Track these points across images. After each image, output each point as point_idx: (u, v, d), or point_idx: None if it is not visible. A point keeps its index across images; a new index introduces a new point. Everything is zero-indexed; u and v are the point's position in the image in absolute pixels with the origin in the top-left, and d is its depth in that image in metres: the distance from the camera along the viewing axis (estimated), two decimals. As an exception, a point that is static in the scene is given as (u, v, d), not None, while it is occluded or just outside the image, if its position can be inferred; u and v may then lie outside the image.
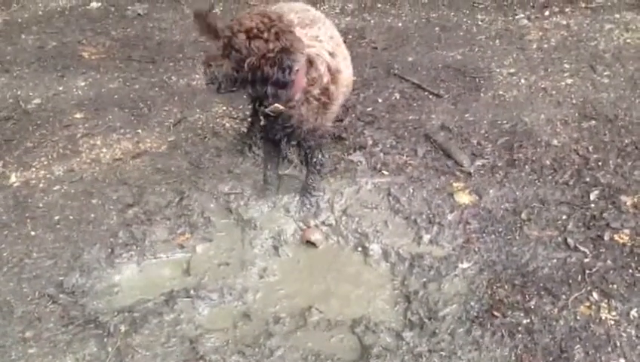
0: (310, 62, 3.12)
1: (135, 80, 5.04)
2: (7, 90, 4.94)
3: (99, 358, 2.81)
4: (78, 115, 4.58)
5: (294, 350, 2.84)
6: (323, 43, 3.28)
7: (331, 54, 3.26)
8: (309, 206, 3.59)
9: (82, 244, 3.42)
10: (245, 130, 4.20)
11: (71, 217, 3.62)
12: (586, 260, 3.21)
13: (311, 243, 3.42)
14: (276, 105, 3.11)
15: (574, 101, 4.47)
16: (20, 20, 6.06)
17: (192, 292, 3.12)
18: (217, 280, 3.21)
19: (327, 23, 3.53)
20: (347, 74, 3.41)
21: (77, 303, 3.08)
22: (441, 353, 2.78)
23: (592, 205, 3.54)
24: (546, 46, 5.20)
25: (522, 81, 4.76)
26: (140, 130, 4.38)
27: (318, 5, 6.03)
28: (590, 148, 3.98)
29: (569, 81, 4.72)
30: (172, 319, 3.00)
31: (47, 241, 3.45)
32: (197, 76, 5.04)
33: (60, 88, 4.95)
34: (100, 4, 6.34)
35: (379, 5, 6.06)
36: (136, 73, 5.13)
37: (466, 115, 4.38)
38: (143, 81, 5.02)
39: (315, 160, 3.50)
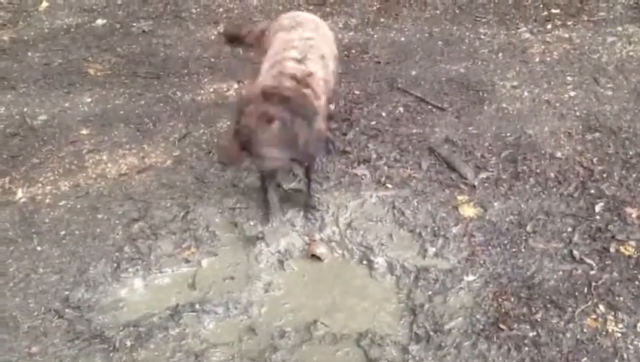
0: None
1: (140, 96, 5.08)
2: (13, 106, 4.98)
3: (104, 373, 2.82)
4: (84, 131, 4.61)
5: (300, 364, 2.84)
6: (290, 51, 3.40)
7: (299, 60, 3.36)
8: (313, 220, 3.60)
9: (88, 259, 3.43)
10: None
11: (77, 232, 3.63)
12: (592, 272, 3.20)
13: (316, 258, 3.42)
14: None
15: (578, 113, 4.48)
16: (26, 38, 6.12)
17: (197, 306, 3.13)
18: (223, 294, 3.21)
19: (311, 25, 3.68)
20: (322, 73, 3.47)
21: (83, 318, 3.08)
22: (448, 366, 2.77)
23: (598, 217, 3.54)
24: (548, 59, 5.21)
25: (525, 93, 4.77)
26: (145, 146, 4.41)
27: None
28: (594, 160, 3.99)
29: (572, 93, 4.73)
30: (177, 333, 3.00)
31: (53, 256, 3.47)
32: (202, 91, 5.08)
33: (66, 105, 4.98)
34: (105, 21, 6.39)
35: (382, 20, 6.10)
36: (141, 89, 5.17)
37: (470, 128, 4.39)
38: (148, 96, 5.06)
39: (315, 172, 3.52)
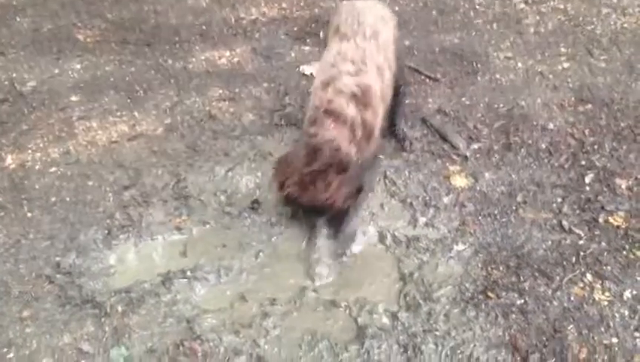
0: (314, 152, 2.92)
1: (131, 63, 5.02)
2: (2, 72, 4.92)
3: (96, 337, 2.83)
4: (73, 98, 4.56)
5: (290, 330, 2.86)
6: (342, 79, 3.05)
7: (355, 73, 3.08)
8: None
9: (79, 226, 3.42)
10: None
11: (67, 199, 3.62)
12: (581, 242, 3.23)
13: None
14: None
15: (571, 85, 4.47)
16: (15, 3, 6.02)
17: (188, 273, 3.13)
18: (214, 261, 3.22)
19: (368, 30, 3.31)
20: (380, 85, 3.17)
21: (74, 283, 3.08)
22: (436, 333, 2.80)
23: (587, 188, 3.56)
24: (543, 30, 5.19)
25: (519, 65, 4.76)
26: (136, 113, 4.37)
27: (314, -11, 6.01)
28: (586, 131, 4.00)
29: (566, 65, 4.72)
30: (169, 299, 3.01)
31: (43, 223, 3.46)
32: (193, 59, 5.03)
33: (56, 71, 4.93)
34: (95, -14, 6.29)
35: (376, -11, 6.03)
36: (131, 56, 5.11)
37: (463, 99, 4.38)
38: (138, 64, 5.01)
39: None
